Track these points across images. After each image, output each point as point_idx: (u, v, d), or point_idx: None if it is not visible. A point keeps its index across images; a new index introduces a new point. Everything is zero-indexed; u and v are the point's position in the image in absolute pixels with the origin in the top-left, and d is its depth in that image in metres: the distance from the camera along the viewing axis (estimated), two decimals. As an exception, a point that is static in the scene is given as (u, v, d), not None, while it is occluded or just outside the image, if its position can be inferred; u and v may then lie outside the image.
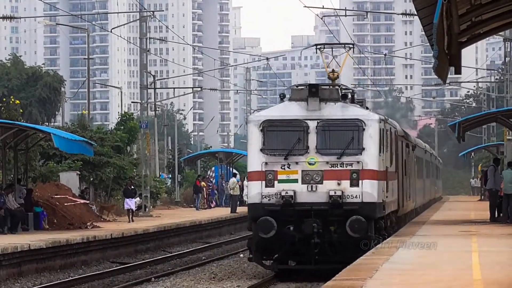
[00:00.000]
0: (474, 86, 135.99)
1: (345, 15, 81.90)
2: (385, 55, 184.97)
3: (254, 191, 31.64)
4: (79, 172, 65.30)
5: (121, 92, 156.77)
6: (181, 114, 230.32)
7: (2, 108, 77.11)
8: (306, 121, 31.70)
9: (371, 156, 31.76)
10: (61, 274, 39.44)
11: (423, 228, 44.10)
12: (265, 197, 31.24)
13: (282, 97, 33.88)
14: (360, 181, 31.44)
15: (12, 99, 79.30)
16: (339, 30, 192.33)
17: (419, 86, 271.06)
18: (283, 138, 31.95)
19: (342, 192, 31.22)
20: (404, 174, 45.78)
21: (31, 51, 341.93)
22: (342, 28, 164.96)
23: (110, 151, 70.16)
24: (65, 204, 53.20)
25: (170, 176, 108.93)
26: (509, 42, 77.54)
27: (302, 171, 31.35)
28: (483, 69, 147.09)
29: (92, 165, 67.55)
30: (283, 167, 31.35)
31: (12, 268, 38.12)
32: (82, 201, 57.33)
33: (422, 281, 21.19)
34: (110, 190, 73.15)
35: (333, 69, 36.35)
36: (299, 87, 33.88)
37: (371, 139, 31.68)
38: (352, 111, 32.36)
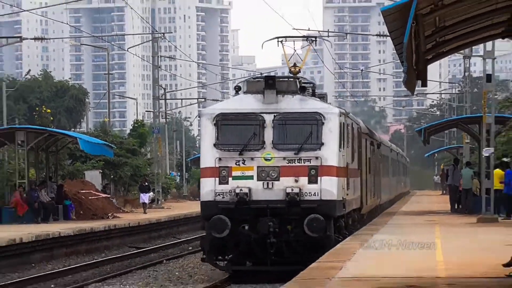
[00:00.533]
0: (438, 97, 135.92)
1: (328, 36, 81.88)
2: (362, 70, 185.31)
3: (207, 188, 26.01)
4: (101, 171, 65.45)
5: (137, 102, 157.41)
6: (188, 121, 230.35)
7: (36, 116, 77.36)
8: (262, 114, 26.27)
9: (330, 152, 26.29)
10: (87, 257, 39.54)
11: (394, 218, 44.20)
12: (218, 194, 25.69)
13: (238, 90, 28.07)
14: (318, 178, 25.87)
15: (44, 109, 79.76)
16: (323, 49, 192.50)
17: (391, 97, 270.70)
18: (237, 132, 26.46)
19: (300, 189, 25.75)
20: (368, 171, 40.43)
21: (59, 68, 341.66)
22: (325, 47, 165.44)
23: (125, 153, 70.46)
24: (90, 198, 53.36)
25: (179, 174, 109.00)
26: (468, 59, 77.69)
27: (258, 167, 25.87)
28: (446, 82, 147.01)
29: (113, 164, 67.83)
30: (237, 163, 25.91)
31: (45, 252, 38.35)
32: (104, 195, 57.48)
33: (394, 263, 21.38)
34: (128, 186, 73.45)
35: (294, 63, 30.72)
36: (256, 79, 29.05)
37: (330, 133, 26.31)
38: (311, 104, 26.92)
